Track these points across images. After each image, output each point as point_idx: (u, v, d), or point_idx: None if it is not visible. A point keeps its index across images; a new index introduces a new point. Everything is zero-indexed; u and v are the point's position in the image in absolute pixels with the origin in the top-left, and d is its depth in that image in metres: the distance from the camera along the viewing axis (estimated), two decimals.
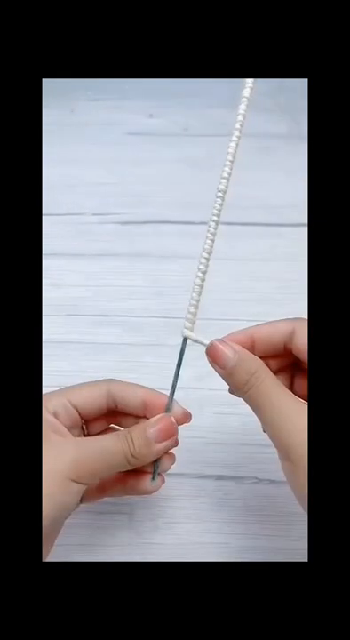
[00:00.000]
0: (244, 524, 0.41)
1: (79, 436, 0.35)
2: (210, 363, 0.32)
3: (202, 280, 0.33)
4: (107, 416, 0.36)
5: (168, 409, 0.34)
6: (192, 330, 0.33)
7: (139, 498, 0.41)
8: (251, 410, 0.32)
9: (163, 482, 0.36)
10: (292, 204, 0.53)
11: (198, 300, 0.33)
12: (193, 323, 0.33)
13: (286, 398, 0.31)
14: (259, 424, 0.33)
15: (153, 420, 0.33)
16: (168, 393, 0.34)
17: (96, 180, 0.56)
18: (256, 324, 0.34)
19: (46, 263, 0.50)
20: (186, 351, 0.34)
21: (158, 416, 0.34)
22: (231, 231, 0.52)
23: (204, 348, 0.32)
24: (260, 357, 0.32)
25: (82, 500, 0.36)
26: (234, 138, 0.32)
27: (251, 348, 0.33)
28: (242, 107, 0.32)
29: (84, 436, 0.36)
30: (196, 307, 0.33)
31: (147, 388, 0.35)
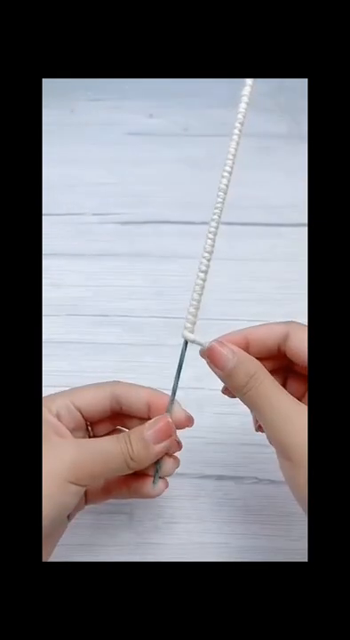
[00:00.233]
0: (244, 524, 0.41)
1: (83, 437, 0.35)
2: (209, 364, 0.32)
3: (203, 280, 0.32)
4: (112, 418, 0.36)
5: (168, 411, 0.34)
6: (192, 331, 0.33)
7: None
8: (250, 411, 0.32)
9: (167, 486, 0.36)
10: (292, 203, 0.53)
11: (199, 301, 0.33)
12: (193, 324, 0.33)
13: (285, 399, 0.31)
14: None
15: (150, 422, 0.33)
16: (170, 394, 0.34)
17: (96, 180, 0.56)
18: (256, 324, 0.34)
19: (46, 263, 0.50)
20: (186, 352, 0.34)
21: (155, 418, 0.33)
22: (231, 231, 0.52)
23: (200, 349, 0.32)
24: None
25: (87, 502, 0.36)
26: (235, 137, 0.32)
27: (246, 349, 0.33)
28: (243, 106, 0.32)
29: (90, 437, 0.36)
30: (197, 307, 0.33)
31: (151, 388, 0.35)
